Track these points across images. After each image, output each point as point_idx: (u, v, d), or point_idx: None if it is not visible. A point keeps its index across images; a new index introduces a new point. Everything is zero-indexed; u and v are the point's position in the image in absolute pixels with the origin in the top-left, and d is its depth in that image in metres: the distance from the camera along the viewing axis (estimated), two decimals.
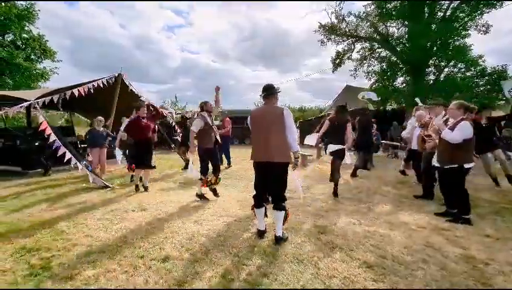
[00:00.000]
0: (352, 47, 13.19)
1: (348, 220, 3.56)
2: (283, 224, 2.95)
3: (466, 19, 10.27)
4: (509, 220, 3.58)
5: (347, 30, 12.72)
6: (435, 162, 3.72)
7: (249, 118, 3.11)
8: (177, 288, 2.15)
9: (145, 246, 2.86)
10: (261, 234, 3.07)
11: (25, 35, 14.07)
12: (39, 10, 14.29)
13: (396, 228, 3.28)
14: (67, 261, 2.57)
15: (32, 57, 14.48)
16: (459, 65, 10.41)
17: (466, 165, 3.39)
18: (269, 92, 3.01)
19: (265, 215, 3.20)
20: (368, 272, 2.34)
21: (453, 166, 3.44)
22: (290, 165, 2.95)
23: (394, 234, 3.10)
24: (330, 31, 12.87)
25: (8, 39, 13.83)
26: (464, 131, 3.30)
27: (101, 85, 7.03)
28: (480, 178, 5.84)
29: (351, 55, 13.30)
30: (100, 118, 6.42)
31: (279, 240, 2.87)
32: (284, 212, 2.90)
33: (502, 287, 2.15)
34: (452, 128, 3.40)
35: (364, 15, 11.99)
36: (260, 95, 3.09)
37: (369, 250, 2.72)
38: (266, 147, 2.87)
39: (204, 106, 4.60)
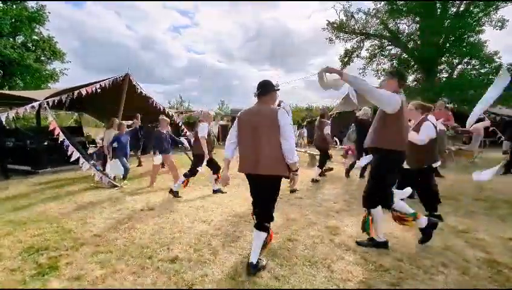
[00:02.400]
0: (361, 45, 12.94)
1: (361, 221, 3.43)
2: (262, 249, 2.36)
3: (480, 15, 9.93)
4: None
5: (356, 27, 12.47)
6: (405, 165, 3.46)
7: (235, 120, 2.54)
8: (186, 289, 2.09)
9: (153, 246, 2.80)
10: (251, 267, 2.30)
11: (35, 37, 14.32)
12: (49, 12, 14.57)
13: (411, 230, 3.13)
14: (74, 261, 2.53)
15: (42, 58, 14.74)
16: (473, 62, 10.08)
17: (434, 165, 3.52)
18: (264, 89, 2.43)
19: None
20: (385, 276, 2.22)
21: (422, 167, 3.46)
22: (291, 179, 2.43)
23: (410, 236, 2.97)
24: (339, 28, 12.64)
25: (19, 41, 14.10)
26: (428, 131, 3.29)
27: (108, 85, 7.06)
28: (499, 178, 5.61)
29: (360, 53, 13.08)
30: (165, 118, 5.59)
31: (253, 268, 2.26)
32: (265, 234, 2.35)
33: None
34: (417, 130, 3.33)
35: (374, 12, 11.75)
36: (254, 93, 2.48)
37: (385, 253, 2.60)
38: (254, 156, 2.32)
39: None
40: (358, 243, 2.80)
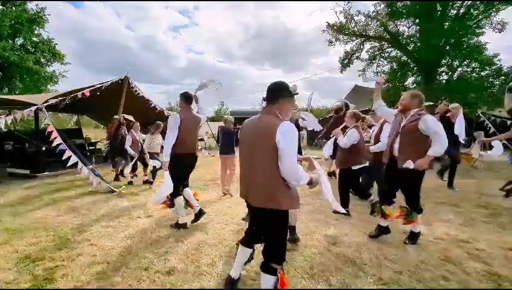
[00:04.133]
0: (361, 47, 12.90)
1: (360, 230, 3.41)
2: None
3: (480, 17, 9.91)
4: None
5: (356, 29, 12.44)
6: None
7: (239, 131, 2.16)
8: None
9: (150, 256, 2.77)
10: (230, 282, 2.19)
11: (34, 39, 14.30)
12: (49, 14, 14.55)
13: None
14: (70, 273, 2.50)
15: (42, 60, 14.72)
16: (473, 64, 10.05)
17: (353, 167, 3.87)
18: (271, 94, 1.88)
19: (250, 259, 2.29)
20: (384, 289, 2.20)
21: (344, 168, 3.97)
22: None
23: (410, 246, 2.94)
24: (338, 30, 12.62)
25: (19, 43, 14.09)
26: (349, 137, 3.80)
27: (108, 87, 7.06)
28: (500, 184, 5.58)
29: (360, 55, 13.03)
30: (230, 117, 5.41)
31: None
32: (274, 278, 1.86)
33: None
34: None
35: (373, 14, 11.70)
36: (263, 98, 1.94)
37: (384, 264, 2.57)
38: (247, 181, 1.90)
39: None
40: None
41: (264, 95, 1.90)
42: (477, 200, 4.62)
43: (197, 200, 3.72)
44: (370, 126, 5.02)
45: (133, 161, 6.19)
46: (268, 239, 1.93)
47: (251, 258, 2.27)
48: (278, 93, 1.87)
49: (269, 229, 1.90)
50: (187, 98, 3.55)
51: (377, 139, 4.11)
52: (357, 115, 3.98)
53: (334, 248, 2.93)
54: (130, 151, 6.10)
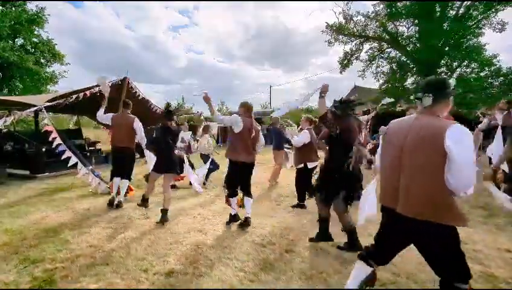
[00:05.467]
0: (361, 47, 12.94)
1: (358, 231, 3.41)
2: None
3: (480, 17, 9.92)
4: None
5: (355, 30, 12.46)
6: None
7: (383, 131, 1.89)
8: None
9: (149, 258, 2.79)
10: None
11: (34, 39, 14.30)
12: (49, 15, 14.55)
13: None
14: (70, 274, 2.52)
15: (42, 60, 14.72)
16: (472, 65, 10.07)
17: (309, 165, 4.34)
18: (441, 93, 1.62)
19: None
20: None
21: (300, 166, 4.43)
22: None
23: (407, 248, 2.94)
24: (338, 31, 12.64)
25: (19, 43, 14.10)
26: (301, 137, 4.35)
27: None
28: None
29: (359, 55, 13.06)
30: (278, 117, 5.75)
31: None
32: None
33: None
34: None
35: (373, 14, 11.72)
36: (418, 97, 1.67)
37: (382, 267, 2.58)
38: (395, 186, 1.67)
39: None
40: None
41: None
42: (475, 200, 4.63)
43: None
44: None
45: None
46: (437, 257, 1.65)
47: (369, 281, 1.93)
48: (446, 91, 1.64)
49: (436, 246, 1.62)
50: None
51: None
52: (311, 120, 4.61)
53: (332, 249, 2.95)
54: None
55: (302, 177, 4.48)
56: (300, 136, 4.40)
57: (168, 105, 4.48)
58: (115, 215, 4.08)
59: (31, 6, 14.16)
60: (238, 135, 3.48)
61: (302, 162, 4.41)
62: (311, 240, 3.12)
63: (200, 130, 6.20)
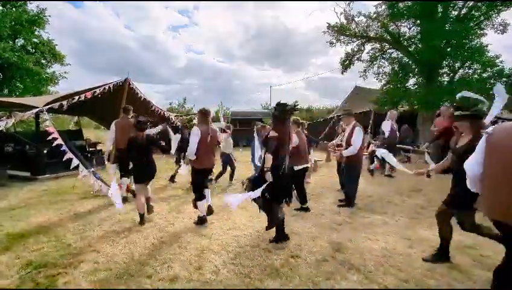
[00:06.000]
0: (362, 48, 12.86)
1: (364, 236, 3.38)
2: None
3: (482, 18, 9.87)
4: None
5: (357, 31, 12.41)
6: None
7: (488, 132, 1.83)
8: None
9: (153, 263, 2.75)
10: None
11: (35, 40, 14.23)
12: (50, 16, 14.49)
13: (417, 245, 3.09)
14: (73, 280, 2.49)
15: (42, 61, 14.65)
16: (474, 66, 10.01)
17: (295, 167, 4.16)
18: None
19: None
20: None
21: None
22: None
23: (415, 253, 2.92)
24: (339, 31, 12.60)
25: (19, 44, 14.03)
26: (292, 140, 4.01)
27: (108, 90, 7.03)
28: None
29: (361, 56, 12.99)
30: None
31: None
32: None
33: None
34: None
35: (374, 15, 11.66)
36: None
37: (389, 272, 2.55)
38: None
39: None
40: None
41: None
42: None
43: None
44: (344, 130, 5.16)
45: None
46: None
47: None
48: None
49: None
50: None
51: (349, 144, 4.34)
52: (298, 122, 4.40)
53: (339, 254, 2.90)
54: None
55: (293, 181, 4.30)
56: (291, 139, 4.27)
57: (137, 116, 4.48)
58: (118, 219, 4.04)
59: (31, 7, 14.12)
60: (199, 144, 3.63)
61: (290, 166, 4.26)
62: (271, 241, 3.19)
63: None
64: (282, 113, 3.00)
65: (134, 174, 4.07)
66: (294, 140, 4.07)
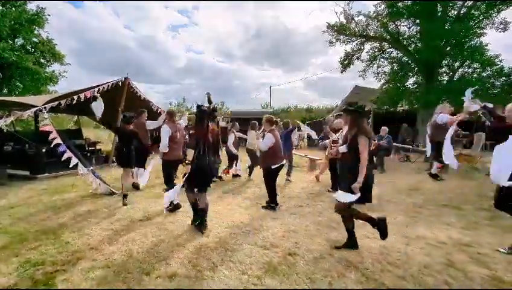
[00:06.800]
0: (362, 47, 12.85)
1: (362, 233, 3.38)
2: None
3: (481, 17, 9.86)
4: None
5: (356, 30, 12.40)
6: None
7: None
8: None
9: (151, 261, 2.76)
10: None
11: (34, 39, 14.22)
12: (49, 15, 14.48)
13: (414, 243, 3.10)
14: (71, 277, 2.49)
15: (42, 60, 14.65)
16: (474, 65, 10.01)
17: (272, 166, 4.31)
18: None
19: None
20: None
21: (264, 167, 4.42)
22: None
23: (412, 251, 2.92)
24: (339, 31, 12.59)
25: (19, 43, 14.03)
26: (266, 141, 4.30)
27: (107, 89, 7.05)
28: None
29: (360, 55, 12.98)
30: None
31: None
32: None
33: None
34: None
35: (374, 14, 11.66)
36: None
37: (387, 269, 2.56)
38: None
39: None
40: None
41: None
42: (479, 202, 4.60)
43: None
44: (337, 130, 5.32)
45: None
46: None
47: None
48: None
49: None
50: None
51: (346, 140, 4.29)
52: (272, 120, 4.50)
53: (336, 252, 2.91)
54: (233, 150, 6.73)
55: (269, 178, 4.42)
56: (265, 141, 4.32)
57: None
58: (117, 217, 4.04)
59: (31, 6, 14.11)
60: (170, 140, 4.30)
61: (267, 164, 4.37)
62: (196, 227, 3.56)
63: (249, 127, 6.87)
64: (200, 114, 3.42)
65: (121, 161, 4.77)
66: (270, 140, 4.29)
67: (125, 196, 4.63)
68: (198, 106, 3.48)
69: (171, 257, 2.84)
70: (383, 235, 2.89)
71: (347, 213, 2.91)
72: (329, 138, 5.59)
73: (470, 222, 3.74)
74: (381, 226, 2.89)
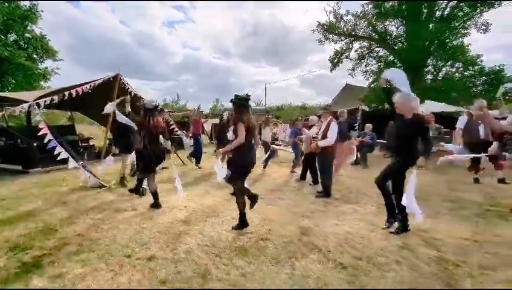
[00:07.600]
0: (350, 46, 13.14)
1: (332, 222, 3.65)
2: None
3: (465, 18, 10.17)
4: (491, 223, 3.65)
5: (345, 29, 12.67)
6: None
7: None
8: (158, 288, 2.27)
9: (133, 245, 2.98)
10: None
11: (27, 35, 14.25)
12: (42, 11, 14.48)
13: (377, 229, 3.37)
14: (57, 260, 2.70)
15: (35, 56, 14.68)
16: (456, 65, 10.35)
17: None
18: None
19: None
20: (341, 273, 2.44)
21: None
22: None
23: (374, 236, 3.19)
24: (328, 30, 12.83)
25: (11, 39, 14.03)
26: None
27: (99, 85, 7.19)
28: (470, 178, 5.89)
29: (349, 54, 13.26)
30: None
31: None
32: None
33: (469, 288, 2.24)
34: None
35: (362, 14, 11.91)
36: None
37: (346, 251, 2.82)
38: None
39: None
40: None
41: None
42: (447, 195, 4.90)
43: None
44: (310, 126, 6.03)
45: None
46: None
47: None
48: None
49: None
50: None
51: (324, 136, 4.87)
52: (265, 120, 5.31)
53: (305, 237, 3.17)
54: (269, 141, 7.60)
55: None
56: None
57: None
58: (104, 208, 4.25)
59: (24, 2, 14.13)
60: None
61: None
62: (130, 191, 4.81)
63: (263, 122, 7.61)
64: (145, 111, 4.20)
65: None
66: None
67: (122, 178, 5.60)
68: (144, 103, 4.34)
69: (152, 242, 3.07)
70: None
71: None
72: (302, 134, 6.29)
73: (433, 212, 4.02)
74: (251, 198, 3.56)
